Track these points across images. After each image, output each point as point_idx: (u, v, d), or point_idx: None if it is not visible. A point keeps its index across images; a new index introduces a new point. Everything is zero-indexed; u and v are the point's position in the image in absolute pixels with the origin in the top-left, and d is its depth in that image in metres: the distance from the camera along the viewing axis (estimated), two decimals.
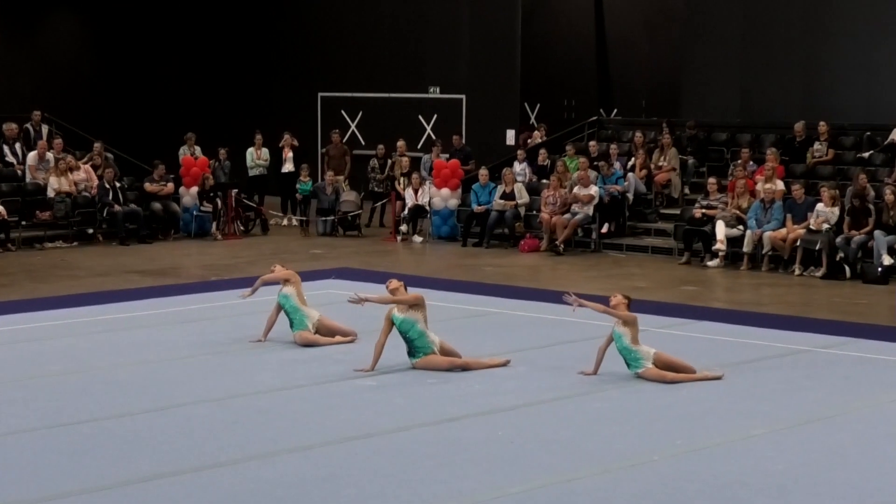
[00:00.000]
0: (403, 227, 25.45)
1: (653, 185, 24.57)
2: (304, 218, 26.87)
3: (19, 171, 25.21)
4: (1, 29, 29.77)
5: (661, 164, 24.73)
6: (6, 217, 23.18)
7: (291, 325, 14.25)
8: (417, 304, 12.98)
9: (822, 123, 23.93)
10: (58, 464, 9.70)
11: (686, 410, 11.50)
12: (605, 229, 23.63)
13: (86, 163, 25.48)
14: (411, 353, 13.05)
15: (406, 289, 13.22)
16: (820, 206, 21.08)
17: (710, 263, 21.65)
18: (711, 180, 22.88)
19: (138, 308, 16.93)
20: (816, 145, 23.88)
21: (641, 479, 9.41)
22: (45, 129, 26.59)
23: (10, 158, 25.49)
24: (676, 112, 27.90)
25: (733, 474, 9.54)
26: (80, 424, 10.86)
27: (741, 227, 21.69)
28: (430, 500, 8.92)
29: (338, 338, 14.33)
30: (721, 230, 21.63)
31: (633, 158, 25.04)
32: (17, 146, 25.66)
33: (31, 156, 25.16)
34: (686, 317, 16.50)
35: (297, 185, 27.07)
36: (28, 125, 26.41)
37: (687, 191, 24.78)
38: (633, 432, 10.71)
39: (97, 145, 26.12)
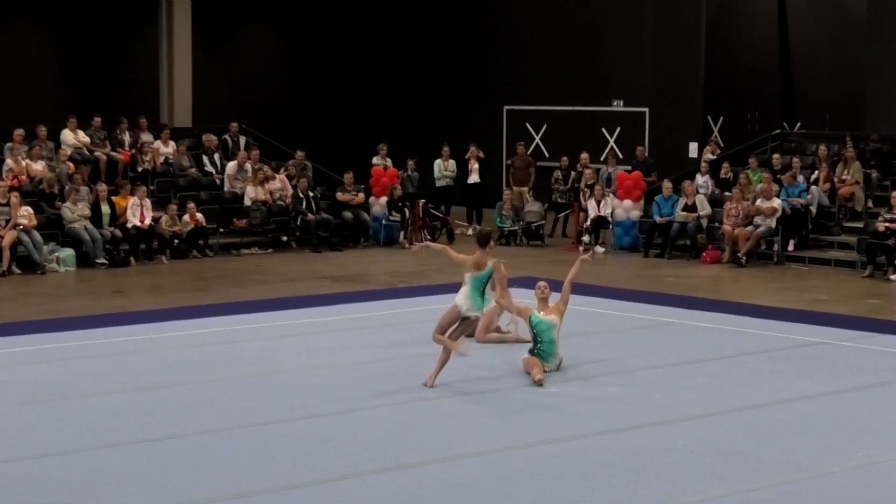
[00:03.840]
0: (586, 238, 25.63)
1: (836, 198, 24.31)
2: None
3: (218, 181, 26.00)
4: (199, 42, 30.56)
5: (844, 177, 24.45)
6: (205, 224, 23.98)
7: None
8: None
9: None
10: (249, 462, 10.02)
11: (867, 422, 11.44)
12: (790, 247, 23.50)
13: (286, 174, 26.13)
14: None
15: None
16: None
17: (893, 277, 21.30)
18: (895, 194, 22.60)
19: (328, 313, 17.35)
20: None
21: (820, 491, 9.39)
22: (242, 140, 27.40)
23: (209, 168, 26.33)
24: (860, 125, 27.44)
25: None
26: (271, 424, 11.17)
27: None
28: None
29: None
30: None
31: (816, 171, 24.83)
32: (216, 157, 26.54)
33: (231, 165, 25.94)
34: (868, 330, 16.33)
35: (497, 219, 27.10)
36: (226, 136, 27.26)
37: (870, 204, 24.39)
38: (812, 444, 10.67)
39: (300, 154, 26.72)
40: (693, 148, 28.72)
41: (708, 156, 27.32)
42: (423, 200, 26.60)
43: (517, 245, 26.21)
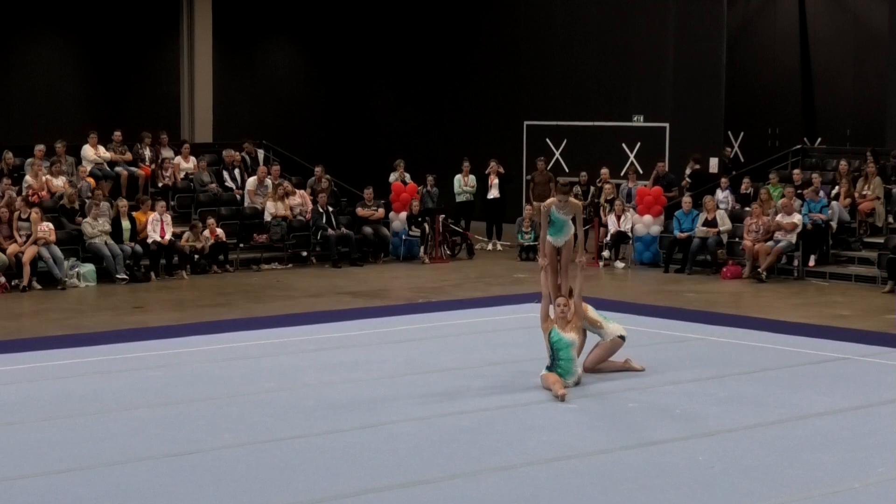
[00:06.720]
0: (606, 253, 25.62)
1: (857, 213, 24.29)
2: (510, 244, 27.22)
3: (238, 196, 26.09)
4: (220, 59, 30.70)
5: (865, 192, 24.43)
6: (225, 240, 24.05)
7: None
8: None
9: None
10: (270, 478, 10.01)
11: (887, 438, 11.38)
12: (811, 263, 23.43)
13: (317, 189, 26.14)
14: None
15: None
16: None
17: None
18: None
19: (349, 328, 17.38)
20: None
21: None
22: (261, 155, 27.47)
23: (229, 183, 26.41)
24: (881, 141, 27.43)
25: None
26: (292, 440, 11.17)
27: None
28: None
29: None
30: None
31: (836, 187, 24.80)
32: (237, 172, 26.60)
33: (251, 181, 26.02)
34: (890, 345, 16.25)
35: (517, 234, 27.11)
36: (243, 153, 27.34)
37: (891, 219, 24.41)
38: (834, 459, 10.64)
39: (327, 179, 26.61)
40: (714, 163, 28.71)
41: (692, 168, 27.37)
42: (443, 216, 26.64)
43: (536, 260, 26.14)
